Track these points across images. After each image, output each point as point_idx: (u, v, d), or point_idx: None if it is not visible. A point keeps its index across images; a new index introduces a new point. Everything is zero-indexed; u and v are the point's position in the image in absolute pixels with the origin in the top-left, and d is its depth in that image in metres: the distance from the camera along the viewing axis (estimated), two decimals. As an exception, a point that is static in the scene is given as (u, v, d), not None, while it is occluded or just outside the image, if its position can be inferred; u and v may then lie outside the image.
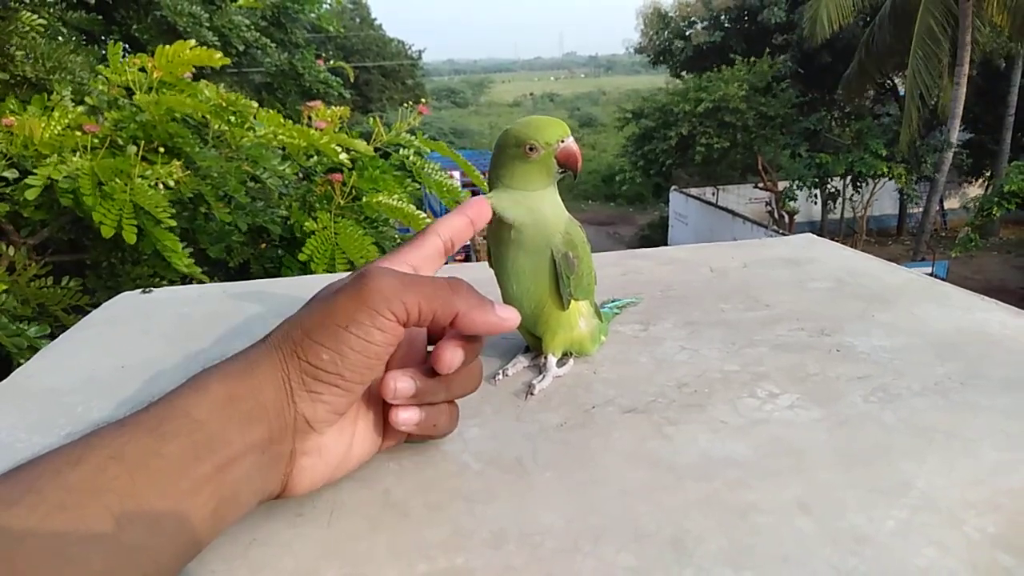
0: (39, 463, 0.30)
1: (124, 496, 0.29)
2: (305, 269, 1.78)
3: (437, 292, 0.38)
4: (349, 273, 0.39)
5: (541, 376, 0.53)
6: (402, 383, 0.39)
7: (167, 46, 1.82)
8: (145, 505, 0.30)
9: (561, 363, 0.55)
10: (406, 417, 0.40)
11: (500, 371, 0.54)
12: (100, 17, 3.08)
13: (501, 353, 0.58)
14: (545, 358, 0.54)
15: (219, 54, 1.89)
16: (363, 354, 0.36)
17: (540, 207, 0.50)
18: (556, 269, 0.51)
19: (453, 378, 0.41)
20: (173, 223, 1.55)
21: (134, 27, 3.28)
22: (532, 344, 0.57)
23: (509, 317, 0.40)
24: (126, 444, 0.31)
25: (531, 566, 0.34)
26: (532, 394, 0.51)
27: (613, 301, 0.66)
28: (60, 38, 2.42)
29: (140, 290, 0.78)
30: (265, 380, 0.35)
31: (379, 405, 0.42)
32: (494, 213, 0.49)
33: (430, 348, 0.43)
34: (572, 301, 0.53)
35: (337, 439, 0.39)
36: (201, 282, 1.58)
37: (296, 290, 0.79)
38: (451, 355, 0.40)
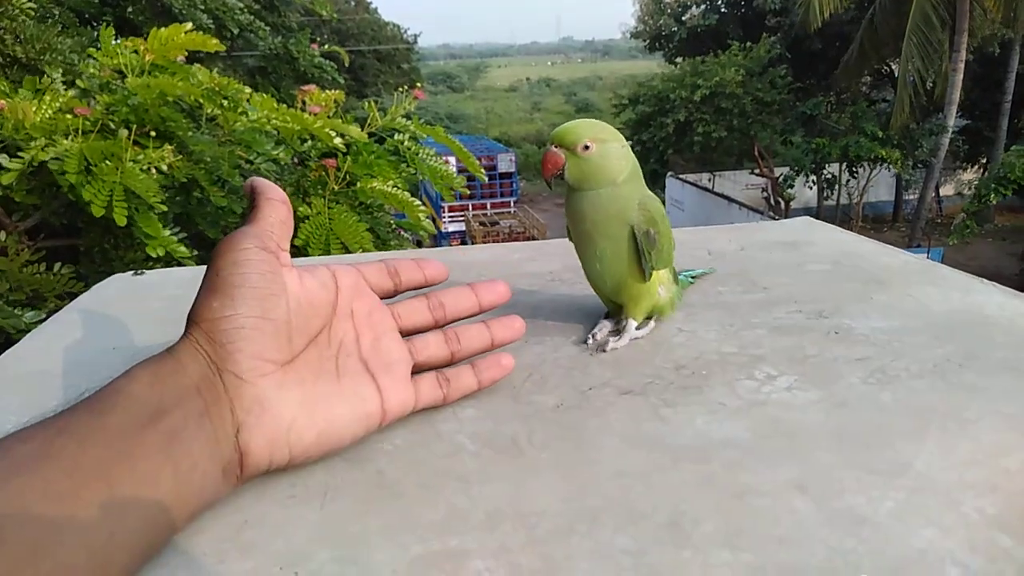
0: None
1: (76, 459, 0.31)
2: (300, 253, 1.77)
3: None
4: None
5: (619, 336, 0.55)
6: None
7: (161, 29, 1.79)
8: (99, 466, 0.31)
9: (641, 326, 0.57)
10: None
11: (589, 336, 0.56)
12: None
13: (583, 318, 0.60)
14: (626, 321, 0.56)
15: (214, 39, 1.87)
16: (245, 285, 0.37)
17: (610, 198, 0.53)
18: (638, 246, 0.53)
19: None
20: (164, 208, 1.54)
21: (129, 8, 3.24)
22: (613, 310, 0.59)
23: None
24: (69, 422, 0.32)
25: (526, 548, 0.34)
26: (604, 350, 0.53)
27: (689, 271, 0.67)
28: (50, 20, 2.39)
29: (132, 272, 0.78)
30: (186, 358, 0.36)
31: (364, 374, 0.42)
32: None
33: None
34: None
35: (278, 393, 0.38)
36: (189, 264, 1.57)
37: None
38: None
